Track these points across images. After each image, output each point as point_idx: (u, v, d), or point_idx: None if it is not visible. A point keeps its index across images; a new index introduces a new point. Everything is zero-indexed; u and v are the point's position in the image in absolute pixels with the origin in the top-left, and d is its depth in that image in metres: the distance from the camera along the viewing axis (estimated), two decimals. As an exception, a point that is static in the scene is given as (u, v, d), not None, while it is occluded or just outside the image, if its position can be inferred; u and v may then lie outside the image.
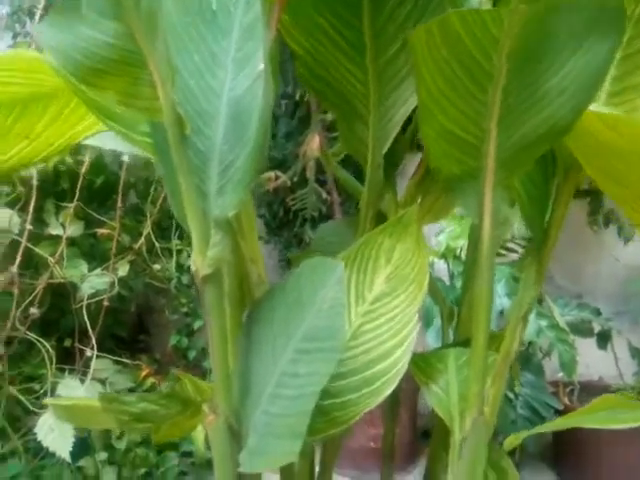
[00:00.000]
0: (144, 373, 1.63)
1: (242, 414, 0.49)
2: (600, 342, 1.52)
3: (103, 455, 1.36)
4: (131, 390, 1.57)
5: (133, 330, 1.74)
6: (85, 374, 1.38)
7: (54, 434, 1.17)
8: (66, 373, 1.34)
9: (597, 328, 1.56)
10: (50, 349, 1.31)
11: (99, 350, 1.48)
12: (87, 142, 0.61)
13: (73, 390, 1.24)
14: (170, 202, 0.49)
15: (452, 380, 0.57)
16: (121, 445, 1.38)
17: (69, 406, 0.61)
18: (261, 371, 0.49)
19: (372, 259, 0.59)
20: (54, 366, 1.29)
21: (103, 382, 1.42)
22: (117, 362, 1.54)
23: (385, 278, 0.57)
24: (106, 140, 0.62)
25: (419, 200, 0.60)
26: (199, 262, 0.46)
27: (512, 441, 0.53)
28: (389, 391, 0.51)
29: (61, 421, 1.19)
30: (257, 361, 0.50)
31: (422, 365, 0.60)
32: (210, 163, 0.47)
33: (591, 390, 1.56)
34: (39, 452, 1.29)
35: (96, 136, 0.61)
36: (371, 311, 0.56)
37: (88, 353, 1.34)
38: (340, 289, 0.45)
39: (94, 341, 1.34)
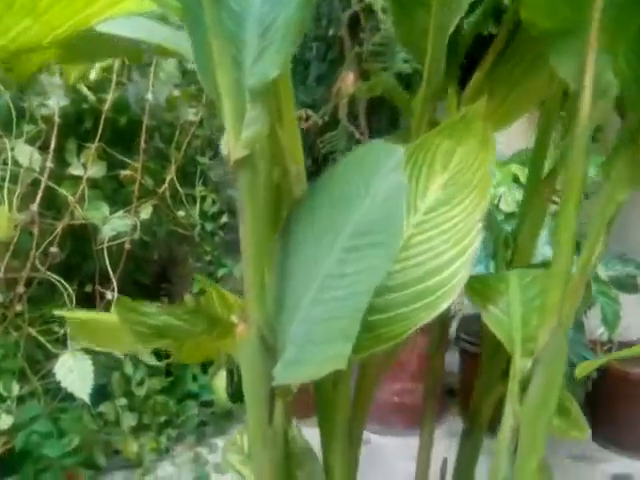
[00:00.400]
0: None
1: (277, 326, 0.42)
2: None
3: (123, 401, 1.34)
4: (156, 353, 1.54)
5: (155, 279, 1.70)
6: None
7: (73, 375, 1.14)
8: (86, 316, 1.30)
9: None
10: (71, 291, 1.27)
11: (120, 295, 1.44)
12: (100, 28, 0.54)
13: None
14: (201, 79, 0.42)
15: (515, 301, 0.50)
16: (141, 392, 1.36)
17: (86, 321, 0.56)
18: (300, 277, 0.42)
19: (426, 164, 0.51)
20: (74, 308, 1.25)
21: (124, 328, 1.38)
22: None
23: (441, 185, 0.50)
24: (121, 26, 0.54)
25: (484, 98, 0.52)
26: (232, 143, 0.39)
27: (584, 369, 0.46)
28: (445, 305, 0.44)
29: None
30: (295, 266, 0.43)
31: (478, 287, 0.53)
32: (247, 25, 0.40)
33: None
34: (58, 395, 1.27)
35: (109, 22, 0.54)
36: (424, 222, 0.49)
37: (109, 296, 1.29)
38: (399, 174, 0.37)
39: (115, 284, 1.30)
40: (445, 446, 0.82)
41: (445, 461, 0.74)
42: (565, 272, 0.39)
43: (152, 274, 1.69)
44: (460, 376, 1.68)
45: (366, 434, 1.58)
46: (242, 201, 0.40)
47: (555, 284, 0.39)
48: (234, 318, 0.44)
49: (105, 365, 1.39)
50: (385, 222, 0.36)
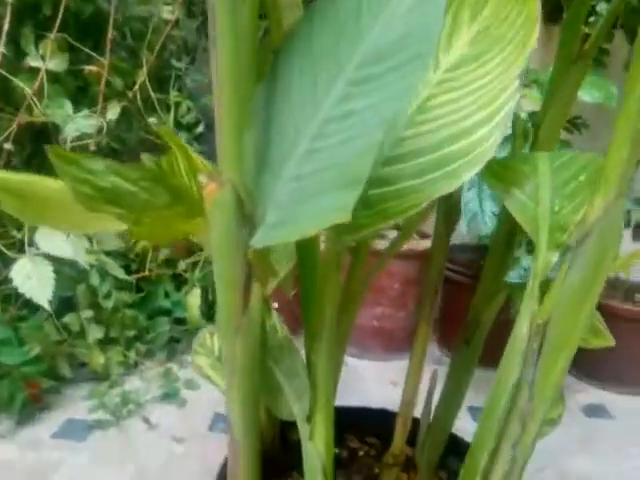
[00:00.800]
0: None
1: (257, 188, 0.34)
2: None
3: (89, 313, 1.26)
4: (126, 268, 1.45)
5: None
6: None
7: (32, 281, 1.05)
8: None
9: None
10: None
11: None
12: None
13: (53, 238, 1.11)
14: None
15: (544, 185, 0.42)
16: (108, 304, 1.28)
17: (18, 188, 0.46)
18: (289, 125, 0.33)
19: (450, 14, 0.41)
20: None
21: (90, 238, 1.29)
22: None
23: (469, 39, 0.40)
24: None
25: None
26: None
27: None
28: (467, 175, 0.35)
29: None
30: (284, 113, 0.33)
31: (498, 169, 0.45)
32: None
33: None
34: (17, 302, 1.19)
35: None
36: (447, 80, 0.40)
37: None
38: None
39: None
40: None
41: (435, 373, 0.69)
42: (634, 123, 0.30)
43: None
44: (442, 305, 1.65)
45: (344, 357, 1.55)
46: (219, 23, 0.30)
47: (620, 142, 0.31)
48: (202, 178, 0.35)
49: (70, 277, 1.30)
50: (411, 38, 0.27)
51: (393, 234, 1.59)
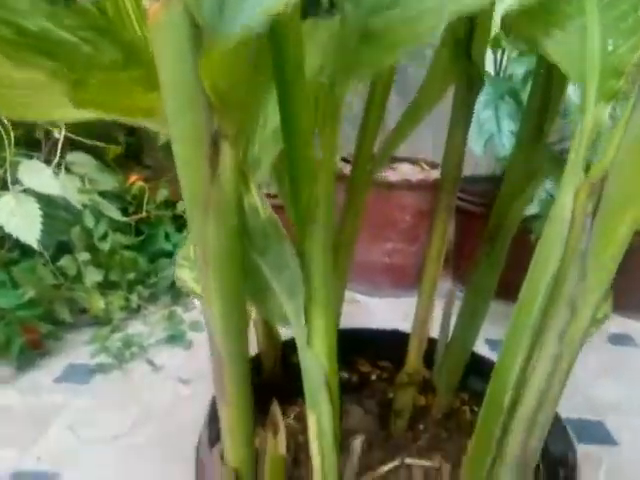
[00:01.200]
0: (132, 178, 1.42)
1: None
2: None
3: (85, 256, 1.20)
4: (118, 196, 1.38)
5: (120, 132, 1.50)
6: (59, 167, 1.17)
7: (17, 219, 0.98)
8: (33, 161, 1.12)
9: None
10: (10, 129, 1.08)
11: (77, 147, 1.26)
12: None
13: (39, 174, 1.04)
14: None
15: (593, 22, 0.33)
16: (104, 246, 1.22)
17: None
18: None
19: None
20: (13, 149, 1.07)
21: (82, 178, 1.22)
22: (100, 162, 1.32)
23: None
24: None
25: None
26: None
27: None
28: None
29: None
30: None
31: (534, 12, 0.35)
32: None
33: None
34: (5, 244, 1.13)
35: None
36: None
37: (56, 135, 1.11)
38: None
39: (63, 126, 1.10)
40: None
41: (452, 292, 0.62)
42: None
43: (114, 127, 1.48)
44: (455, 238, 1.57)
45: (353, 294, 1.49)
46: None
47: None
48: (146, 2, 0.27)
49: (65, 220, 1.24)
50: None
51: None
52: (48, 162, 1.07)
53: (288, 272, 0.35)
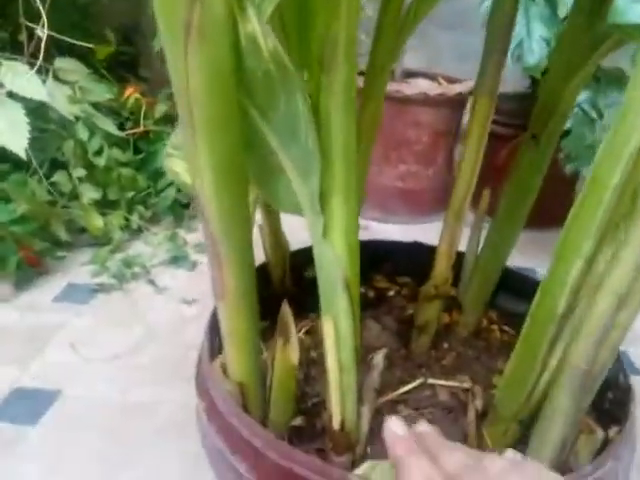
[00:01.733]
0: (129, 91, 1.32)
1: None
2: None
3: (80, 172, 1.13)
4: (114, 111, 1.29)
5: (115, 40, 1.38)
6: (46, 73, 1.07)
7: (1, 124, 0.90)
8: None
9: None
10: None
11: (64, 52, 1.15)
12: None
13: (23, 77, 0.94)
14: None
15: None
16: (100, 162, 1.14)
17: None
18: None
19: None
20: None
21: (71, 86, 1.12)
22: (93, 72, 1.22)
23: None
24: None
25: None
26: None
27: None
28: None
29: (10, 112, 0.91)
30: None
31: None
32: None
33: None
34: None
35: None
36: None
37: (39, 32, 0.99)
38: None
39: (44, 18, 0.99)
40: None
41: (485, 198, 0.54)
42: None
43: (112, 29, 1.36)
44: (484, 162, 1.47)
45: (365, 222, 1.42)
46: None
47: None
48: None
49: (56, 134, 1.15)
50: None
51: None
52: (32, 66, 0.97)
53: (300, 140, 0.27)
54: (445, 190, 1.47)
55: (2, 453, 0.71)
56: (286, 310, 0.34)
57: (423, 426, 0.31)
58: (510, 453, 0.29)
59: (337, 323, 0.34)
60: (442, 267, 0.49)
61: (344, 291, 0.34)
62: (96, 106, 1.19)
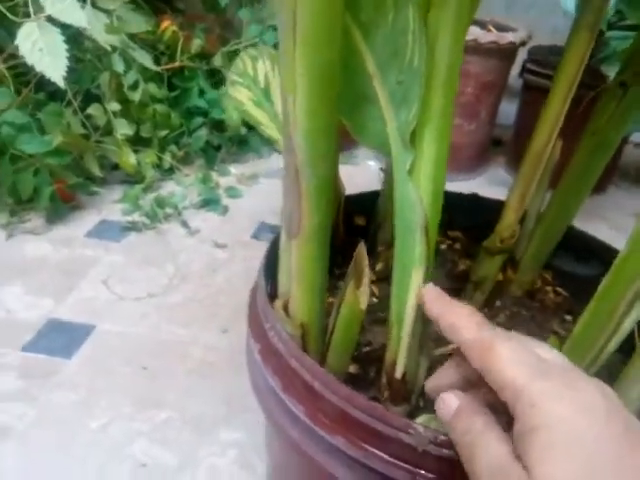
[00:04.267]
0: (165, 23, 1.27)
1: None
2: None
3: (115, 106, 1.10)
4: (150, 44, 1.24)
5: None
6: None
7: (41, 52, 0.87)
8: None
9: None
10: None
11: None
12: None
13: (62, 2, 0.90)
14: None
15: None
16: (135, 97, 1.11)
17: None
18: None
19: None
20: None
21: (109, 15, 1.08)
22: (131, 1, 1.17)
23: None
24: None
25: None
26: None
27: None
28: None
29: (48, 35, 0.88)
30: None
31: None
32: None
33: None
34: (30, 84, 1.02)
35: None
36: None
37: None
38: None
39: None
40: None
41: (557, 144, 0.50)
42: None
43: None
44: (518, 117, 1.41)
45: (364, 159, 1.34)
46: None
47: None
48: None
49: (92, 65, 1.12)
50: None
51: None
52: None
53: (404, 60, 0.24)
54: (487, 147, 1.42)
55: (38, 384, 0.72)
56: (362, 252, 0.32)
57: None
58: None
59: (411, 270, 0.32)
60: (511, 220, 0.46)
61: (423, 236, 0.31)
62: (132, 37, 1.15)
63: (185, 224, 1.08)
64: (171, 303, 0.89)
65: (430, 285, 0.33)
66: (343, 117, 0.30)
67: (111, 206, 1.13)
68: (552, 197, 0.51)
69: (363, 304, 0.33)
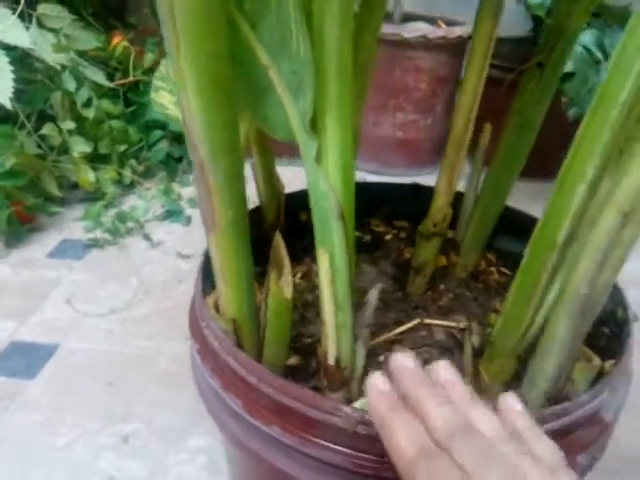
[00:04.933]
0: (116, 39, 1.27)
1: None
2: None
3: (70, 124, 1.09)
4: (102, 61, 1.24)
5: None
6: (29, 19, 1.02)
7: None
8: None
9: None
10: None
11: None
12: None
13: (4, 24, 0.90)
14: None
15: None
16: (89, 114, 1.11)
17: None
18: None
19: None
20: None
21: (56, 34, 1.07)
22: (78, 19, 1.16)
23: None
24: None
25: None
26: None
27: None
28: None
29: None
30: None
31: None
32: None
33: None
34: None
35: None
36: None
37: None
38: None
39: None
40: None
41: (487, 129, 0.52)
42: None
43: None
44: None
45: (362, 174, 1.39)
46: None
47: None
48: None
49: (42, 84, 1.11)
50: None
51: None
52: (13, 11, 0.93)
53: (292, 50, 0.25)
54: (445, 140, 1.44)
55: (1, 406, 0.71)
56: (279, 243, 0.33)
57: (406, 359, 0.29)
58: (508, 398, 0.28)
59: (332, 256, 0.33)
60: (441, 203, 0.48)
61: (338, 221, 0.32)
62: (82, 55, 1.14)
63: (148, 237, 1.08)
64: (136, 317, 0.88)
65: (377, 376, 0.28)
66: (248, 111, 0.31)
67: (72, 225, 1.12)
68: (485, 178, 0.52)
69: (288, 294, 0.33)
